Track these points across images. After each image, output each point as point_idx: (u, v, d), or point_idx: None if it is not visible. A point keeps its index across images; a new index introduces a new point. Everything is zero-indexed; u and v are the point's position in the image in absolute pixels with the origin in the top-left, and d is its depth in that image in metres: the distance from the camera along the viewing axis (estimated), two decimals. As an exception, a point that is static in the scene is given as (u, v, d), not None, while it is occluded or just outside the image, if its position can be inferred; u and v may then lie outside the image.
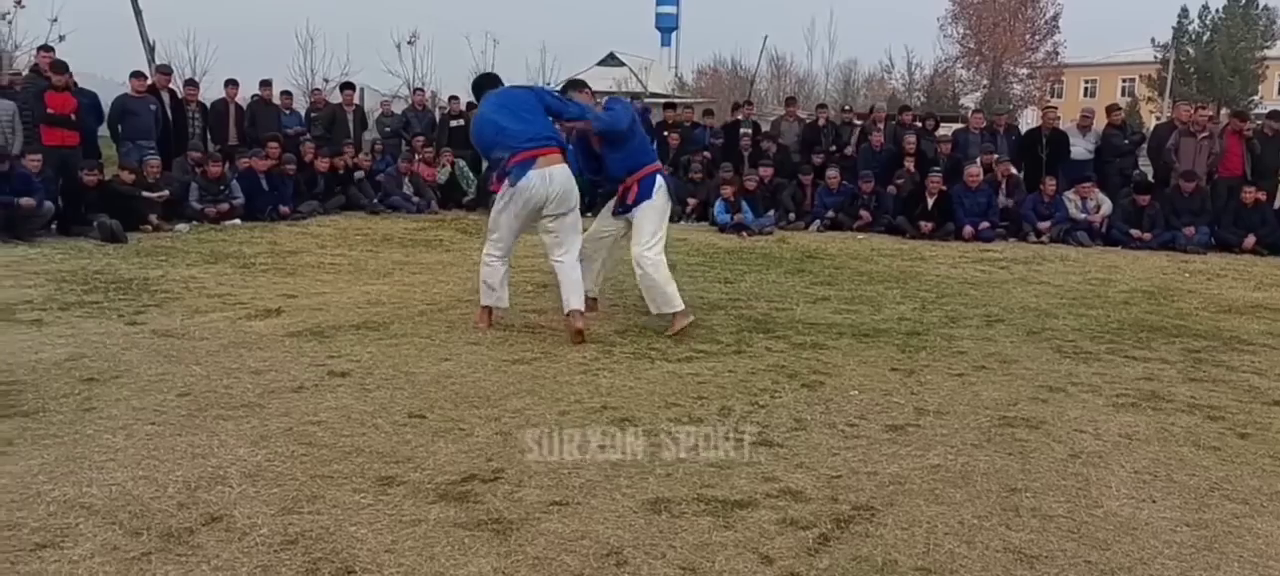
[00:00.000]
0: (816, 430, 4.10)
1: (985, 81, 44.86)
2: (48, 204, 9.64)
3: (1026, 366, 5.33)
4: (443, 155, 13.97)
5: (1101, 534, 3.14)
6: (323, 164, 12.70)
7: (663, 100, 19.19)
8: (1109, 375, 5.19)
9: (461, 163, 13.79)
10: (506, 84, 6.15)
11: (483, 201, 11.73)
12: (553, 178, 5.63)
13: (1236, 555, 3.02)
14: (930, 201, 11.76)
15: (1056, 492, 3.47)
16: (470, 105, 14.28)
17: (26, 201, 9.25)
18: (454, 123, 14.52)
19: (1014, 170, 12.52)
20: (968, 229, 11.43)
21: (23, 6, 19.14)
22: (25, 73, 13.14)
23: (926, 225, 11.60)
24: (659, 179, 6.08)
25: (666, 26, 57.64)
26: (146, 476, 3.40)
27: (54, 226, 9.75)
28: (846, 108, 16.64)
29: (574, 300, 5.72)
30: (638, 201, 6.05)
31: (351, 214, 12.51)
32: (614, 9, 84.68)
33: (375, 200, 12.98)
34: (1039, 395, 4.74)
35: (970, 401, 4.60)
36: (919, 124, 14.36)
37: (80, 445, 3.69)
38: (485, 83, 6.14)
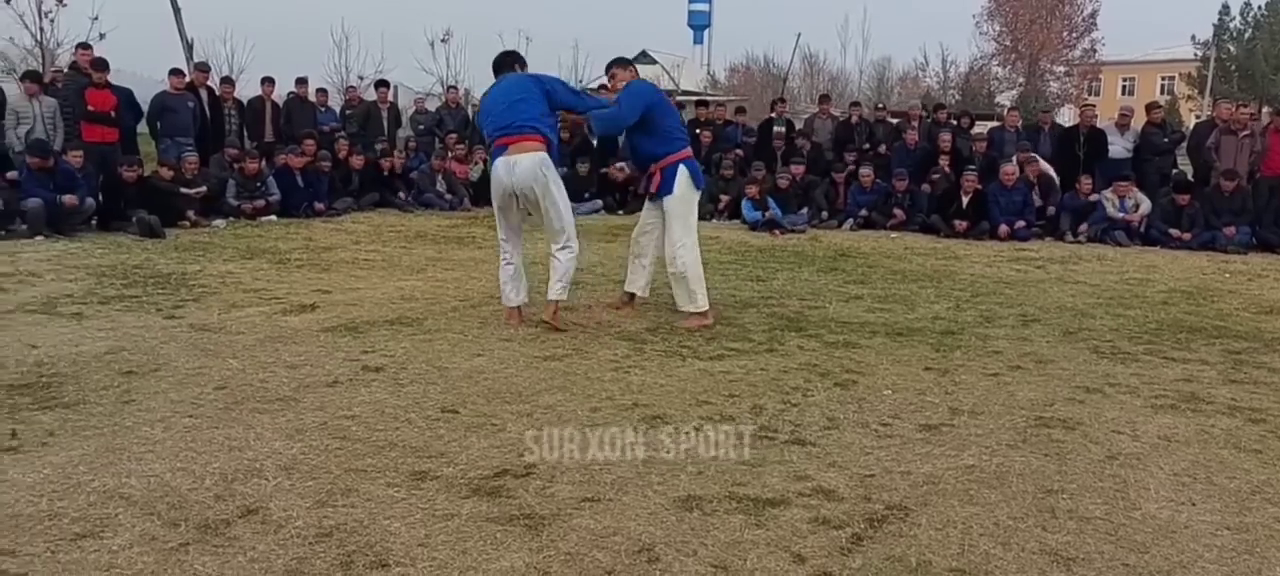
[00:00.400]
0: (849, 429, 4.07)
1: (1021, 79, 44.38)
2: (89, 200, 9.81)
3: (1063, 367, 5.27)
4: (475, 152, 14.03)
5: (1140, 536, 3.10)
6: (357, 161, 12.80)
7: (695, 98, 19.14)
8: (1147, 376, 5.11)
9: (494, 160, 13.83)
10: (528, 71, 6.12)
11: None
12: (515, 166, 5.61)
13: (1279, 559, 2.97)
14: (965, 200, 11.66)
15: (1094, 494, 3.43)
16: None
17: (70, 200, 9.43)
18: (487, 120, 14.56)
19: (1046, 167, 12.36)
20: (1003, 228, 11.32)
21: (65, 5, 19.41)
22: (66, 70, 13.34)
23: (961, 224, 11.49)
24: (681, 170, 6.04)
25: (699, 24, 57.51)
26: (184, 468, 3.44)
27: (94, 221, 9.91)
28: (880, 105, 16.53)
29: (551, 290, 5.82)
30: (661, 192, 6.08)
31: (385, 210, 12.61)
32: (647, 7, 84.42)
33: (408, 197, 13.08)
34: (1076, 396, 4.69)
35: (1005, 401, 4.55)
36: (955, 122, 14.24)
37: (119, 437, 3.75)
38: (501, 62, 6.08)
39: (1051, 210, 11.87)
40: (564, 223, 5.81)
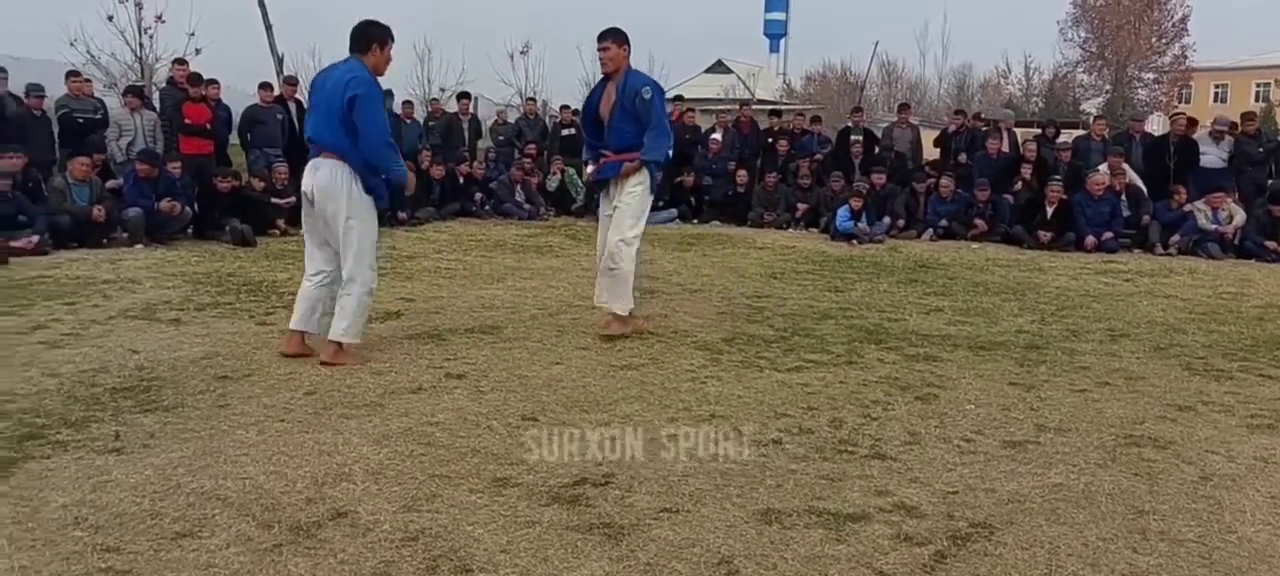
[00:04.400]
0: (931, 444, 4.02)
1: (1108, 86, 43.21)
2: (187, 209, 10.18)
3: (1153, 383, 5.12)
4: (553, 163, 14.20)
5: (1235, 561, 3.00)
6: (438, 171, 13.04)
7: (768, 107, 19.04)
8: (1243, 394, 4.95)
9: (571, 171, 13.97)
10: None
11: (590, 208, 11.84)
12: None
13: (1386, 589, 2.85)
14: (1050, 210, 11.41)
15: (1186, 516, 3.33)
16: (576, 113, 14.55)
17: (169, 204, 9.80)
18: (566, 132, 14.73)
19: (1134, 177, 12.03)
20: (1090, 239, 11.05)
21: (163, 21, 20.14)
22: (164, 85, 13.87)
23: (1045, 235, 11.25)
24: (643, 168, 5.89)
25: (775, 33, 57.39)
26: (277, 471, 3.55)
27: (190, 230, 10.28)
28: (981, 115, 16.22)
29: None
30: (607, 171, 5.99)
31: (466, 220, 12.83)
32: (722, 17, 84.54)
33: (488, 206, 13.31)
34: (1167, 414, 4.56)
35: (1093, 419, 4.45)
36: (1042, 131, 14.01)
37: (216, 440, 3.89)
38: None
39: (1145, 219, 11.55)
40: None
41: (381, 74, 5.14)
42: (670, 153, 6.19)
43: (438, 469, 3.62)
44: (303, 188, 5.16)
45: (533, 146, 14.45)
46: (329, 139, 5.00)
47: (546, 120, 16.28)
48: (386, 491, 3.39)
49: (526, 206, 13.49)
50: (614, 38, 5.88)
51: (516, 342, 5.74)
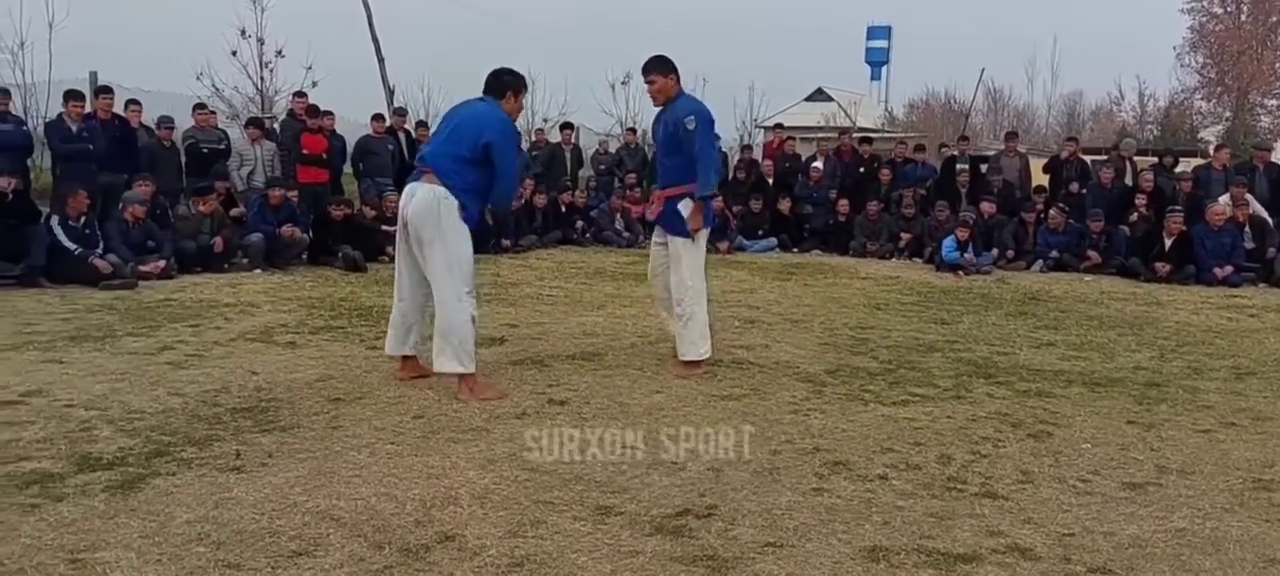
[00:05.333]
0: (1045, 484, 3.89)
1: (1228, 114, 41.38)
2: (304, 235, 10.60)
3: (1284, 425, 4.87)
4: (654, 194, 14.28)
5: (1381, 618, 2.82)
6: (541, 199, 13.27)
7: (860, 134, 18.77)
8: (1385, 439, 4.66)
9: (670, 199, 14.02)
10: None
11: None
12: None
13: None
14: (1168, 242, 10.97)
15: (1325, 568, 3.15)
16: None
17: (289, 229, 10.23)
18: (665, 160, 14.82)
19: (1258, 209, 11.49)
20: (1218, 271, 10.57)
21: (283, 56, 21.11)
22: (283, 117, 14.48)
23: (1163, 267, 10.82)
24: (687, 202, 5.61)
25: (876, 61, 56.70)
26: (387, 493, 3.64)
27: (305, 256, 10.67)
28: (1121, 147, 15.73)
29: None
30: (662, 221, 5.79)
31: (567, 247, 13.01)
32: (823, 45, 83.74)
33: (588, 234, 13.48)
34: (1300, 458, 4.32)
35: (1219, 460, 4.25)
36: (1158, 160, 13.51)
37: (329, 461, 4.00)
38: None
39: (1270, 252, 11.01)
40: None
41: (514, 120, 5.28)
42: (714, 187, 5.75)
43: (542, 495, 3.65)
44: (400, 211, 5.28)
45: (633, 176, 14.58)
46: (440, 162, 5.08)
47: (646, 150, 16.39)
48: (492, 516, 3.44)
49: (626, 235, 13.61)
50: (658, 68, 5.61)
51: (617, 370, 5.78)
